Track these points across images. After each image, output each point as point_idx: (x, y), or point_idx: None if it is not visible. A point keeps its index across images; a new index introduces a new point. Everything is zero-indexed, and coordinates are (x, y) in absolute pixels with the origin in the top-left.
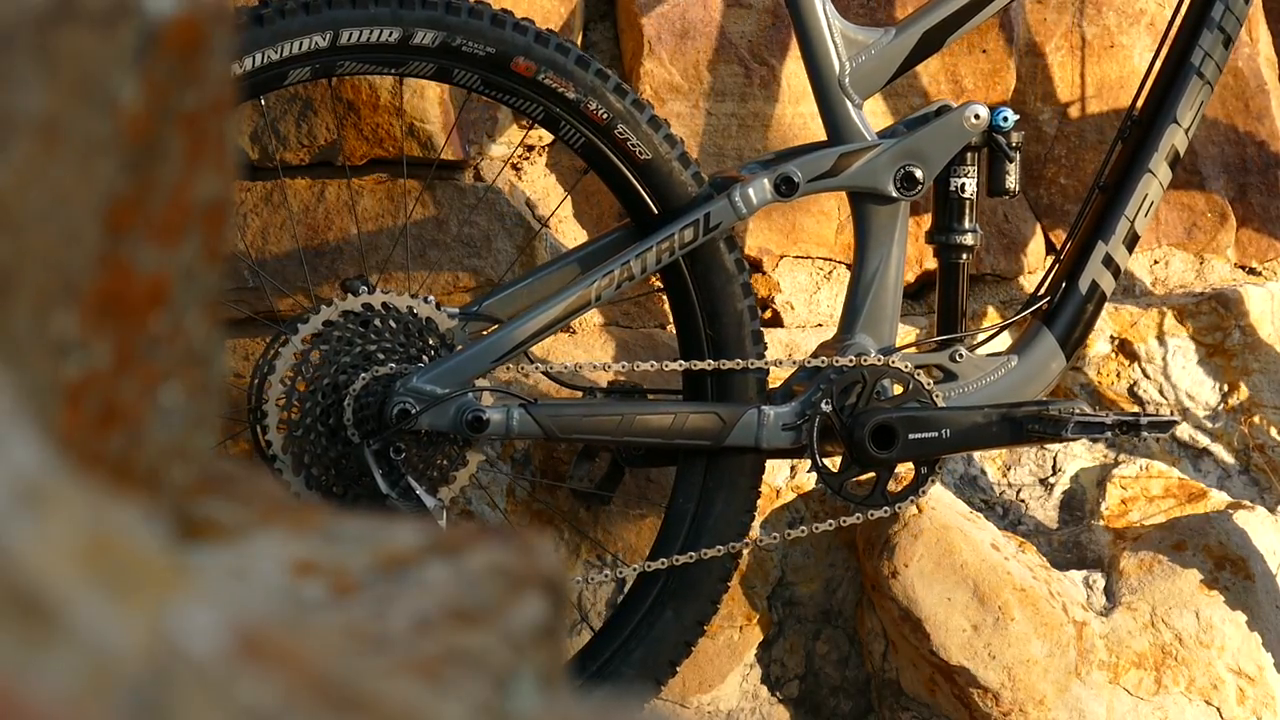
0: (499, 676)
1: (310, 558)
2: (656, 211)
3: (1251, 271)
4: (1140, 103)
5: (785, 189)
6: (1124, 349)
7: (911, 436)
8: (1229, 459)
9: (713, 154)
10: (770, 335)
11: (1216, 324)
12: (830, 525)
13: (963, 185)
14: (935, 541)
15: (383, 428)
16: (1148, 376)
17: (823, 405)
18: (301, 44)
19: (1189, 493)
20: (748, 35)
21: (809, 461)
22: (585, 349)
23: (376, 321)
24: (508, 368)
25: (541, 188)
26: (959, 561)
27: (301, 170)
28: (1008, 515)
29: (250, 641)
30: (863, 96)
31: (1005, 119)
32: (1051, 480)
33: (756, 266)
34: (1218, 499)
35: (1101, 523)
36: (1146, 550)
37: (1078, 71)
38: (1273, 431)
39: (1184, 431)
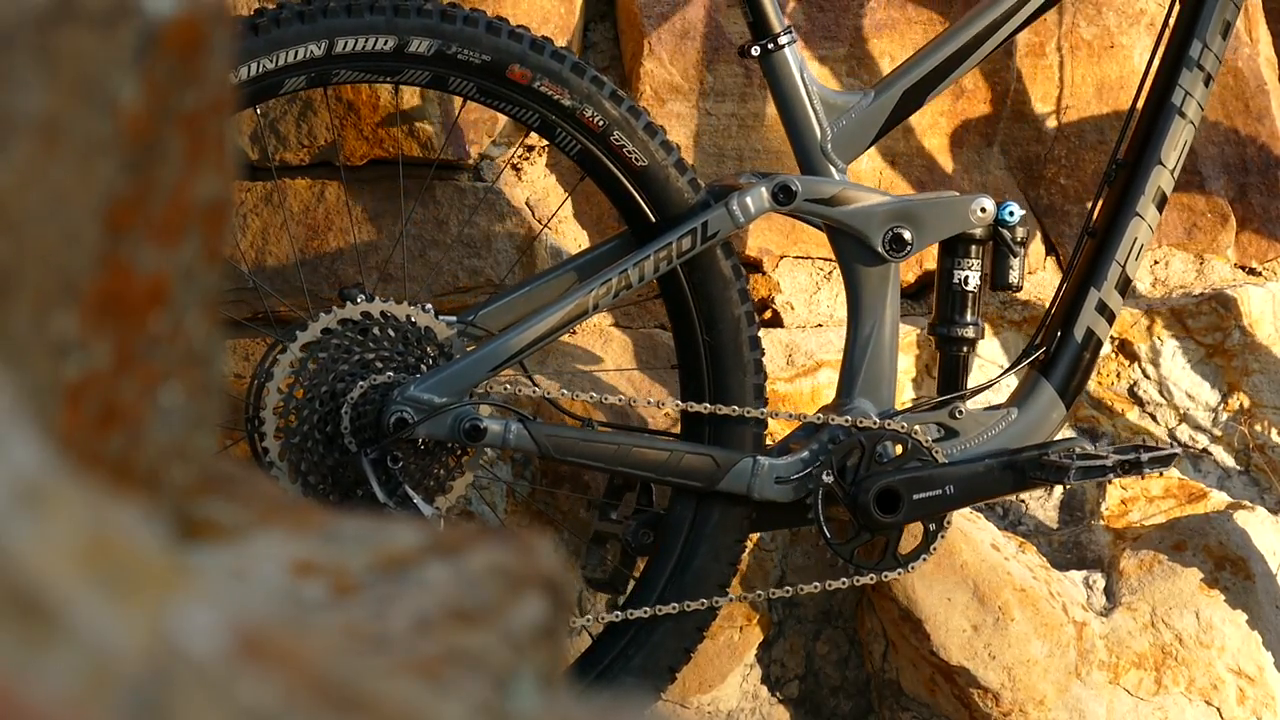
0: (499, 676)
1: (310, 558)
2: (653, 218)
3: (1251, 272)
4: (1124, 146)
5: (783, 198)
6: (1124, 349)
7: (916, 497)
8: (1229, 459)
9: (713, 154)
10: (770, 335)
11: (1216, 324)
12: (844, 583)
13: (966, 278)
14: None
15: (380, 436)
16: (1148, 377)
17: (824, 477)
18: (297, 53)
19: (1189, 493)
20: (748, 35)
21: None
22: (586, 349)
23: (375, 330)
24: (501, 378)
25: (541, 188)
26: (959, 562)
27: (301, 170)
28: (1008, 515)
29: (250, 641)
30: (846, 161)
31: (1011, 213)
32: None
33: (756, 267)
34: (1218, 499)
35: (1101, 523)
36: (1146, 550)
37: (1078, 71)
38: (1273, 432)
39: (1184, 432)
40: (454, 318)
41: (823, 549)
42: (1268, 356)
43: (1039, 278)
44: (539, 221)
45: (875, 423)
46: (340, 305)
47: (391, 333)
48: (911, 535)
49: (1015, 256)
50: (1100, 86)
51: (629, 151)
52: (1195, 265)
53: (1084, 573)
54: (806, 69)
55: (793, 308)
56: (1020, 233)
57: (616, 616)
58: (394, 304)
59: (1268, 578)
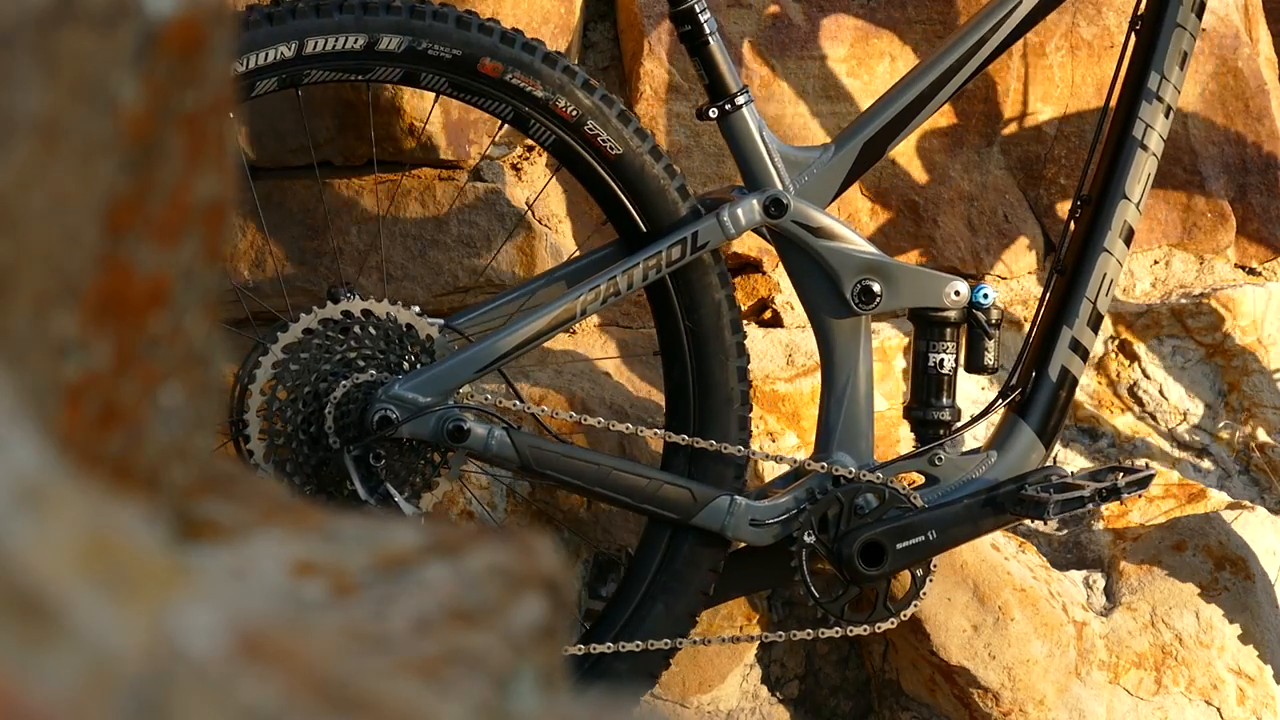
0: (499, 676)
1: (310, 558)
2: (630, 208)
3: (1251, 272)
4: (1088, 181)
5: (775, 210)
6: (1124, 349)
7: (899, 546)
8: (1229, 459)
9: (713, 154)
10: (770, 335)
11: (1216, 324)
12: (836, 632)
13: (941, 361)
14: None
15: (364, 435)
16: (1148, 377)
17: (805, 538)
18: (267, 55)
19: (1189, 493)
20: (748, 35)
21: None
22: (586, 349)
23: (356, 329)
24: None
25: (541, 188)
26: (959, 561)
27: (301, 170)
28: None
29: (250, 641)
30: None
31: (985, 296)
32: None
33: (756, 267)
34: (1218, 499)
35: (1101, 523)
36: (1146, 550)
37: (1078, 71)
38: (1272, 432)
39: (1184, 432)
40: (439, 320)
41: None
42: (1267, 357)
43: (1036, 278)
44: (539, 221)
45: (852, 473)
46: (323, 305)
47: (373, 331)
48: (899, 581)
49: (989, 339)
50: (1100, 86)
51: (603, 140)
52: (1195, 265)
53: (1084, 573)
54: (765, 127)
55: (792, 308)
56: (994, 315)
57: (579, 650)
58: (374, 302)
59: (1267, 577)
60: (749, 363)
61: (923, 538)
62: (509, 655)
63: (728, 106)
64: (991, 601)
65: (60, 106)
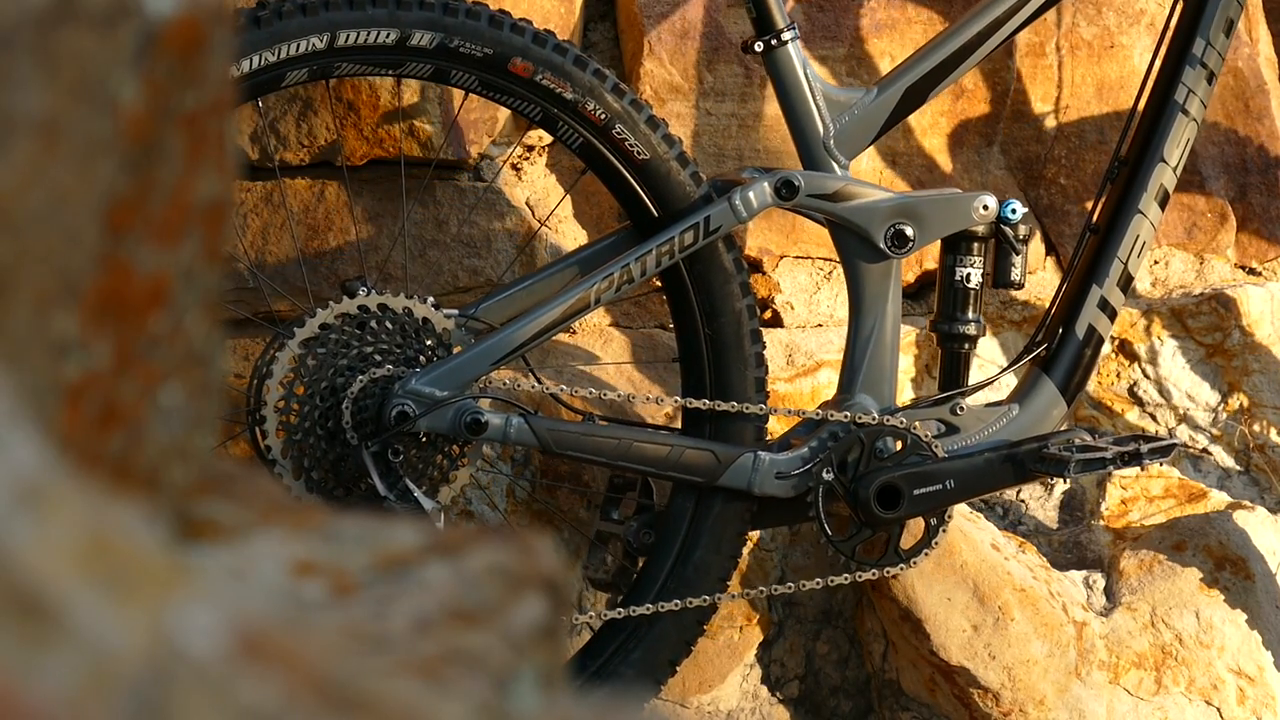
0: (499, 676)
1: (310, 558)
2: (655, 212)
3: (1251, 272)
4: (1126, 143)
5: (786, 193)
6: (1124, 349)
7: (916, 492)
8: (1229, 459)
9: (713, 154)
10: (770, 335)
11: (1216, 324)
12: (846, 579)
13: (968, 275)
14: None
15: (381, 430)
16: (1147, 377)
17: (824, 474)
18: (299, 45)
19: (1189, 493)
20: (748, 35)
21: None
22: (586, 348)
23: (373, 323)
24: (502, 373)
25: (541, 188)
26: (959, 561)
27: (301, 170)
28: (1008, 515)
29: (250, 641)
30: (848, 157)
31: (1014, 211)
32: (1052, 480)
33: (756, 267)
34: (1218, 499)
35: (1101, 523)
36: (1146, 550)
37: (1078, 71)
38: (1272, 432)
39: (1184, 432)
40: (454, 311)
41: (824, 547)
42: (1268, 356)
43: (1039, 277)
44: (539, 221)
45: (875, 419)
46: (338, 300)
47: (390, 325)
48: (913, 531)
49: (1017, 254)
50: (1100, 86)
51: (631, 145)
52: (1195, 265)
53: (1084, 573)
54: (809, 65)
55: (793, 308)
56: (1022, 230)
57: (619, 614)
58: (391, 297)
59: (1268, 578)
60: (767, 373)
61: (941, 486)
62: (509, 655)
63: (773, 41)
64: (991, 601)
65: (60, 106)
